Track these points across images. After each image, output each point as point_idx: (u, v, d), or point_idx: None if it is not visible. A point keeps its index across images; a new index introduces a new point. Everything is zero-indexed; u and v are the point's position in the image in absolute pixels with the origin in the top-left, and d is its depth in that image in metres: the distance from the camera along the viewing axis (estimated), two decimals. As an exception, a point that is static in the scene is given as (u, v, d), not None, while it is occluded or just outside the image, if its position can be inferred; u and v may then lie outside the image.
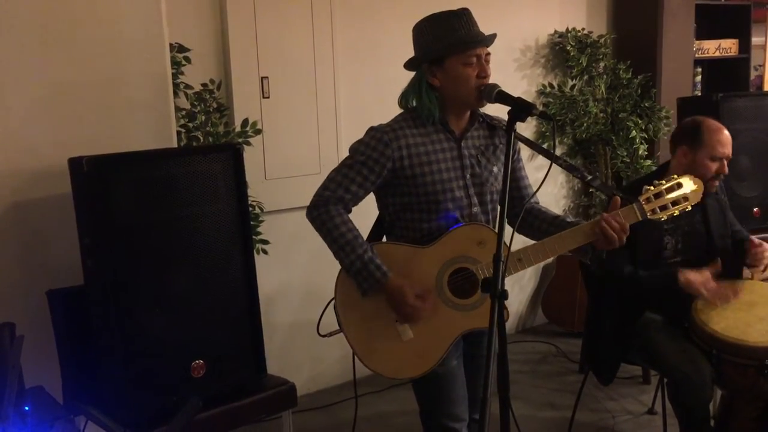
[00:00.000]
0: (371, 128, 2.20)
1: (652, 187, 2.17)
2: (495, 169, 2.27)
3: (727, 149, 2.72)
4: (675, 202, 2.18)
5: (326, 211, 2.13)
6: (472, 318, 2.16)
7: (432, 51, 2.14)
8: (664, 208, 2.17)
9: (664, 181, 2.18)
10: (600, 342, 2.90)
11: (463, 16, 2.14)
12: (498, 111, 2.18)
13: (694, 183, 2.21)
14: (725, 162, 2.72)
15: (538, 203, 2.39)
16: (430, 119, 2.18)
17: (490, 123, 2.28)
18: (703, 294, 2.62)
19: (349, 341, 2.17)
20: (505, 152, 1.90)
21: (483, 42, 2.14)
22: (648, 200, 2.16)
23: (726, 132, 2.75)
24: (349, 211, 2.19)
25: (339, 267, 2.15)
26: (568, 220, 2.25)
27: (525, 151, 4.58)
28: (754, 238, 2.81)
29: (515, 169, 2.35)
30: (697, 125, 2.76)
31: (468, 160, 2.22)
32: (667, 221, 2.59)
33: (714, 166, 2.71)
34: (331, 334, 2.23)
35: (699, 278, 2.64)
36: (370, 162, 2.14)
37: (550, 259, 4.83)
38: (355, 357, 2.19)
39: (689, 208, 2.19)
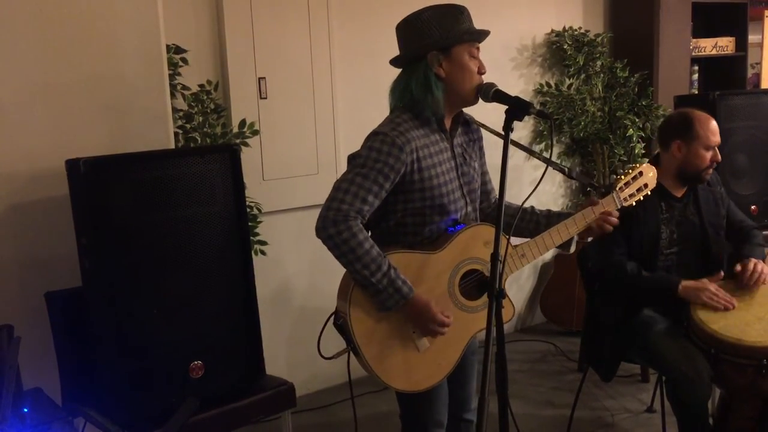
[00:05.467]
0: (378, 133, 2.07)
1: (622, 177, 2.38)
2: (476, 165, 2.27)
3: (718, 137, 2.81)
4: (639, 189, 2.40)
5: (348, 227, 1.99)
6: (483, 319, 2.13)
7: (442, 38, 2.08)
8: (632, 195, 2.39)
9: (629, 171, 2.40)
10: (599, 338, 2.91)
11: (465, 10, 2.15)
12: (495, 110, 2.18)
13: (650, 170, 2.43)
14: (716, 149, 2.80)
15: (495, 198, 2.41)
16: (433, 116, 2.12)
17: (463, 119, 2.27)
18: (705, 301, 2.63)
19: (366, 361, 2.08)
20: (502, 153, 1.90)
21: (485, 36, 2.16)
22: (621, 189, 2.36)
23: (714, 121, 2.82)
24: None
25: (336, 267, 2.11)
26: (539, 210, 2.33)
27: (522, 151, 4.65)
28: (752, 260, 2.74)
29: (483, 164, 2.37)
30: (688, 119, 2.81)
31: (458, 159, 2.21)
32: (663, 212, 2.80)
33: (709, 155, 2.78)
34: (337, 356, 2.14)
35: (698, 286, 2.66)
36: (386, 169, 2.03)
37: (549, 258, 4.84)
38: (367, 370, 2.11)
39: (649, 193, 2.44)
